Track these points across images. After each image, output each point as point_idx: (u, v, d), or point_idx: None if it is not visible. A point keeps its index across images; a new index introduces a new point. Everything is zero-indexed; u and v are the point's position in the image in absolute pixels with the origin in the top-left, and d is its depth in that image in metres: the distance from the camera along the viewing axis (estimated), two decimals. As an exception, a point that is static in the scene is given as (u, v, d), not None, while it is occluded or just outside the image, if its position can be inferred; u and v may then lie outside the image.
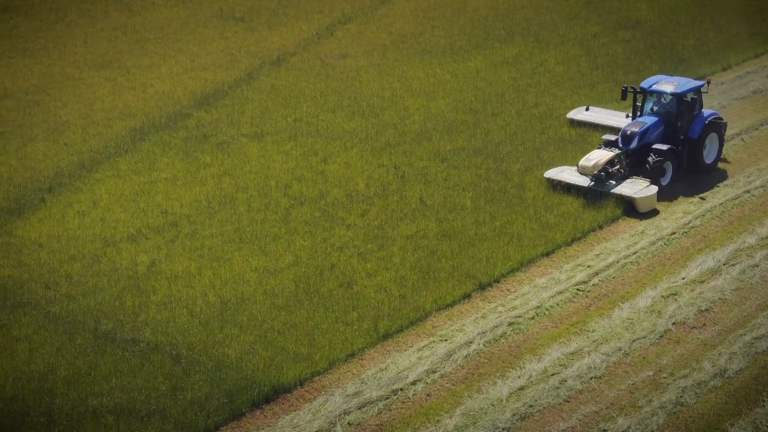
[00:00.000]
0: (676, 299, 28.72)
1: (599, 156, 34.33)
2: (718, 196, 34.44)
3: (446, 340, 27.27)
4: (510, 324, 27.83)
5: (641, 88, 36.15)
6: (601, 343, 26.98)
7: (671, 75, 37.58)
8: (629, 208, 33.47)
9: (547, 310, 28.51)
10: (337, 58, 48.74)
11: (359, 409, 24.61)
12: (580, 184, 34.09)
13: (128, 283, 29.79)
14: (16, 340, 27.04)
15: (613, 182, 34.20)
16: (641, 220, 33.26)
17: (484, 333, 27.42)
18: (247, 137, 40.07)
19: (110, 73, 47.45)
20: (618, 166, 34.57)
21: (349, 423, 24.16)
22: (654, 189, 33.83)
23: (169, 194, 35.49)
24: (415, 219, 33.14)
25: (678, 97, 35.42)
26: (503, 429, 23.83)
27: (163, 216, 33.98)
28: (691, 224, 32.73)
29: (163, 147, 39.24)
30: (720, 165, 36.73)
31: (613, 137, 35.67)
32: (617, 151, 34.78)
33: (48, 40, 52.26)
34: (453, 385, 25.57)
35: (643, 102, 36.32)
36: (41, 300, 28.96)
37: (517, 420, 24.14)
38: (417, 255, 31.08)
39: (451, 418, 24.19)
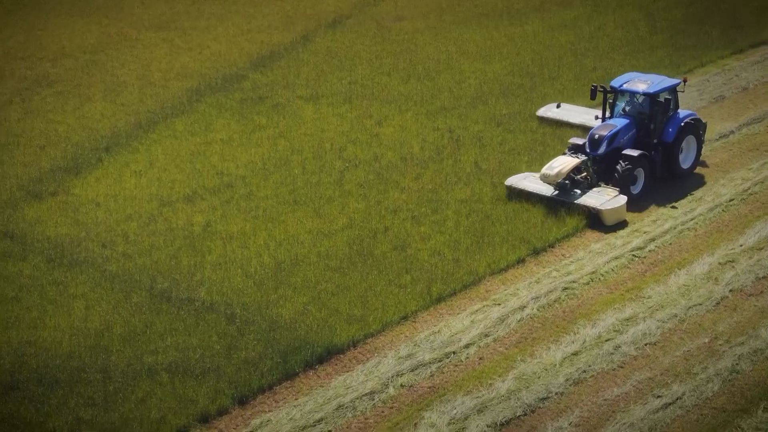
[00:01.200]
0: (733, 266, 28.37)
1: (563, 163, 31.36)
2: (777, 164, 33.87)
3: (499, 304, 27.19)
4: (564, 289, 27.67)
5: (611, 87, 33.05)
6: (657, 310, 26.75)
7: (645, 73, 34.46)
8: (595, 220, 30.75)
9: (602, 275, 28.31)
10: (393, 21, 48.53)
11: (412, 371, 24.64)
12: (543, 193, 31.28)
13: (184, 243, 30.00)
14: (73, 298, 27.37)
15: (578, 192, 31.31)
16: (698, 188, 32.73)
17: (537, 298, 27.30)
18: (302, 99, 40.09)
19: (167, 35, 47.64)
20: (585, 174, 31.71)
21: (401, 385, 24.20)
22: (622, 200, 30.84)
23: (225, 155, 35.64)
24: (469, 183, 32.98)
25: (651, 97, 32.47)
26: (556, 394, 23.75)
27: (218, 177, 34.13)
28: (749, 191, 32.27)
29: (219, 108, 39.38)
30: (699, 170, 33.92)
31: (581, 141, 32.69)
32: (584, 157, 31.92)
33: (107, 0, 52.55)
34: (506, 349, 25.51)
35: (614, 102, 33.27)
36: (98, 258, 29.27)
37: (570, 385, 24.04)
38: (471, 219, 30.96)
39: (503, 382, 24.14)
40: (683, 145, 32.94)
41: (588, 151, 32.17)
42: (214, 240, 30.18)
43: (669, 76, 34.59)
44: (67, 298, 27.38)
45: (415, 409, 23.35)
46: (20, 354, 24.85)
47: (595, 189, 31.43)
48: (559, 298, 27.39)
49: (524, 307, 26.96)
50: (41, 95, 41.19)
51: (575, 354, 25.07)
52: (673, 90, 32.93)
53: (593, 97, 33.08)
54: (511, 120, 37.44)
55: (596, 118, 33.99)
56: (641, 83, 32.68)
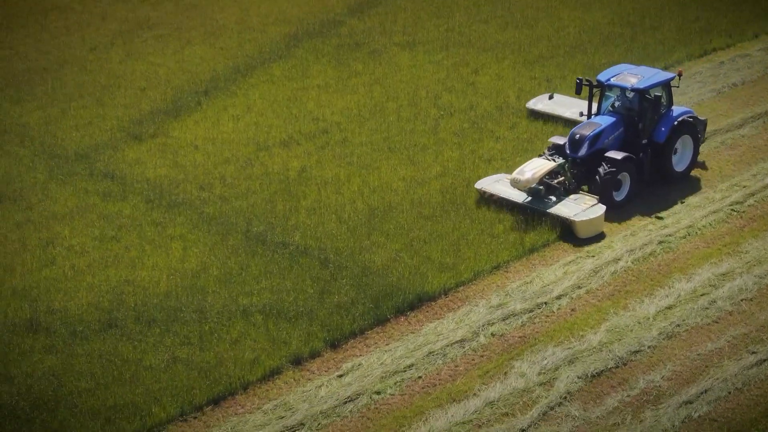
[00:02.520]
0: (835, 224, 27.76)
1: (536, 167, 28.40)
2: None
3: (593, 256, 27.00)
4: (660, 242, 27.36)
5: (598, 80, 29.88)
6: (754, 265, 26.31)
7: (637, 65, 31.26)
8: (568, 231, 27.78)
9: (699, 229, 27.91)
10: (492, -32, 48.01)
11: (503, 320, 24.66)
12: (515, 199, 28.47)
13: (279, 188, 30.30)
14: (171, 239, 27.87)
15: (553, 199, 28.41)
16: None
17: (632, 251, 27.04)
18: (398, 46, 39.99)
19: (266, -20, 47.83)
20: (562, 179, 28.77)
21: (492, 334, 24.25)
22: (600, 210, 27.76)
23: (321, 101, 35.80)
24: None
25: (640, 93, 29.31)
26: (649, 347, 23.58)
27: (314, 123, 34.33)
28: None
29: (316, 54, 39.50)
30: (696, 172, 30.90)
31: (562, 140, 29.67)
32: (560, 160, 28.91)
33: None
34: (599, 301, 25.36)
35: (601, 98, 30.03)
36: (196, 200, 29.72)
37: (663, 339, 23.83)
38: (567, 169, 30.70)
39: (595, 334, 24.03)
40: (677, 146, 29.86)
41: (568, 152, 29.19)
42: (309, 185, 30.43)
43: (663, 69, 32.20)
44: (165, 238, 27.90)
45: (505, 359, 23.41)
46: (119, 292, 25.44)
47: (572, 196, 28.40)
48: (654, 251, 27.09)
49: (618, 259, 26.74)
50: (142, 38, 41.76)
51: (669, 308, 24.83)
52: (666, 85, 29.77)
53: (578, 91, 30.04)
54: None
55: (581, 114, 31.40)
56: (631, 77, 29.42)
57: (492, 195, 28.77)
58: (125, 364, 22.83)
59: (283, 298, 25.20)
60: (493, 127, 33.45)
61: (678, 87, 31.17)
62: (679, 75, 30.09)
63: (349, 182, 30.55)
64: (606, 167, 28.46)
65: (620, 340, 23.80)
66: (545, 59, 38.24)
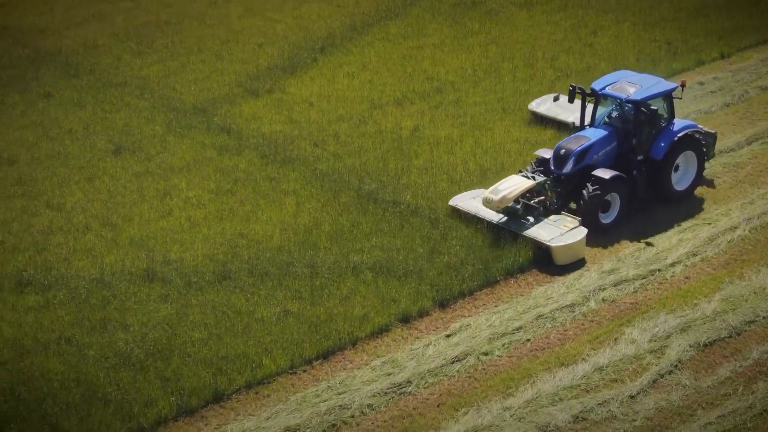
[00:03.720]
0: None
1: (512, 186, 25.87)
2: None
3: (710, 224, 26.49)
4: (779, 212, 26.72)
5: (592, 89, 27.21)
6: None
7: (639, 73, 28.21)
8: (545, 256, 25.29)
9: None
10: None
11: (614, 286, 24.39)
12: (489, 218, 26.13)
13: (392, 146, 30.34)
14: (285, 194, 28.17)
15: (531, 219, 25.99)
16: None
17: (750, 219, 26.44)
18: (515, 6, 39.56)
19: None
20: (542, 198, 26.40)
21: (603, 299, 24.01)
22: (581, 234, 25.28)
23: (436, 60, 35.67)
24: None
25: (636, 105, 26.63)
26: (764, 318, 23.07)
27: (428, 82, 34.23)
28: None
29: (432, 12, 39.32)
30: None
31: (549, 154, 26.99)
32: (540, 177, 26.39)
33: None
34: (714, 269, 24.90)
35: (595, 107, 27.49)
36: (309, 156, 29.96)
37: (779, 310, 23.35)
38: (685, 135, 30.08)
39: (709, 302, 23.62)
40: (680, 162, 27.20)
41: (552, 168, 26.72)
42: (421, 144, 30.40)
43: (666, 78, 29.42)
44: (279, 193, 28.21)
45: (616, 324, 23.17)
46: (233, 245, 25.85)
47: (552, 217, 25.92)
48: (773, 220, 26.48)
49: (736, 227, 26.18)
50: (260, -6, 42.09)
51: (787, 278, 24.27)
52: (667, 96, 27.10)
53: (571, 99, 27.49)
54: (731, 34, 35.97)
55: (572, 125, 28.90)
56: (629, 86, 26.73)
57: (466, 212, 26.36)
58: (238, 315, 23.23)
59: (393, 256, 25.29)
60: (610, 89, 32.91)
61: (681, 98, 27.78)
62: (682, 86, 27.25)
63: (461, 142, 30.44)
64: (592, 187, 25.90)
65: (735, 309, 23.35)
66: (666, 21, 37.45)
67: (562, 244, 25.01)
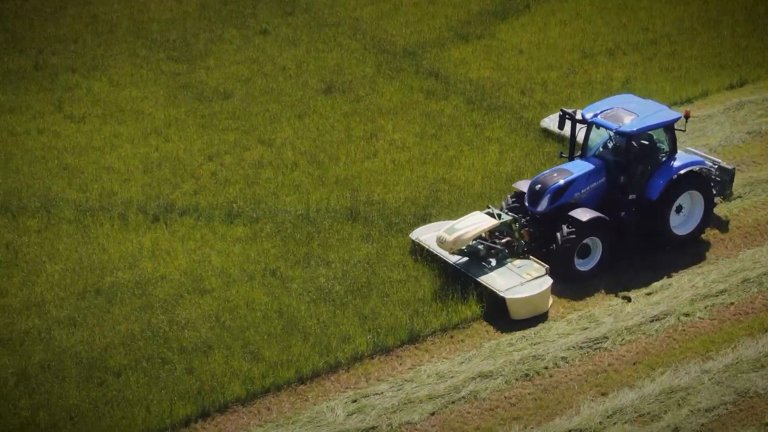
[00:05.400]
0: None
1: (470, 225, 22.71)
2: None
3: None
4: None
5: (582, 116, 23.76)
6: None
7: (644, 98, 24.71)
8: (501, 307, 21.91)
9: None
10: None
11: (827, 254, 23.43)
12: (446, 257, 23.11)
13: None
14: (489, 141, 28.09)
15: (493, 262, 22.74)
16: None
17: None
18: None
19: None
20: (508, 239, 23.06)
21: (814, 267, 23.10)
22: (543, 285, 21.98)
23: (653, 11, 34.73)
24: None
25: (627, 137, 23.15)
26: None
27: (643, 33, 33.40)
28: None
29: (653, -39, 38.26)
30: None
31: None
32: (507, 216, 23.14)
33: None
34: None
35: (587, 136, 24.02)
36: (516, 104, 29.75)
37: None
38: None
39: None
40: (683, 203, 23.77)
41: (527, 205, 23.57)
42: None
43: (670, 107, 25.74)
44: (482, 140, 28.16)
45: (826, 294, 22.29)
46: (435, 189, 25.99)
47: (517, 262, 22.62)
48: None
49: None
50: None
51: None
52: (668, 128, 23.59)
53: (561, 126, 24.07)
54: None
55: (560, 155, 24.83)
56: (625, 115, 23.23)
57: (425, 248, 23.39)
58: (435, 259, 23.38)
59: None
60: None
61: (684, 131, 24.25)
62: (686, 116, 23.56)
63: (673, 96, 29.59)
64: (567, 230, 22.67)
65: None
66: None
67: (518, 296, 21.74)
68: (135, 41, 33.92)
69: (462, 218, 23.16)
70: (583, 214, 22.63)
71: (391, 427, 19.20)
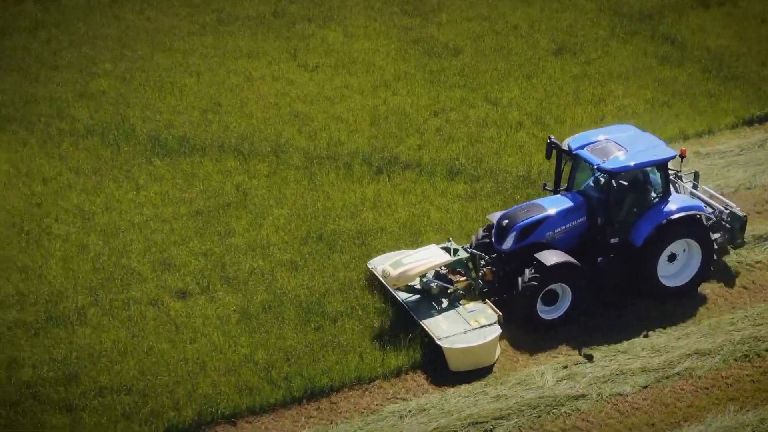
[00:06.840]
0: None
1: (418, 260, 20.46)
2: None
3: None
4: None
5: (568, 147, 21.30)
6: None
7: (643, 131, 21.80)
8: (440, 355, 19.53)
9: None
10: None
11: None
12: (395, 293, 20.73)
13: None
14: (724, 112, 27.14)
15: (444, 303, 20.45)
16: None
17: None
18: None
19: None
20: (464, 279, 20.87)
21: None
22: (490, 334, 19.60)
23: None
24: None
25: (610, 175, 20.46)
26: None
27: None
28: None
29: None
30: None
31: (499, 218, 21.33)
32: (464, 253, 20.91)
33: None
34: None
35: (572, 169, 21.51)
36: (755, 76, 28.65)
37: None
38: None
39: None
40: (676, 252, 21.15)
41: (494, 241, 21.17)
42: None
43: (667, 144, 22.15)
44: (718, 112, 27.24)
45: None
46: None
47: (470, 305, 20.34)
48: None
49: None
50: None
51: None
52: (661, 167, 20.91)
53: (548, 155, 21.55)
54: None
55: (544, 187, 22.26)
56: (614, 149, 20.76)
57: (378, 279, 21.20)
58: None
59: None
60: None
61: (679, 172, 22.27)
62: (681, 156, 21.34)
63: None
64: (528, 274, 20.20)
65: None
66: None
67: (457, 346, 19.41)
68: (370, -7, 34.39)
69: (415, 251, 21.10)
70: (549, 257, 20.21)
71: (601, 396, 19.00)
